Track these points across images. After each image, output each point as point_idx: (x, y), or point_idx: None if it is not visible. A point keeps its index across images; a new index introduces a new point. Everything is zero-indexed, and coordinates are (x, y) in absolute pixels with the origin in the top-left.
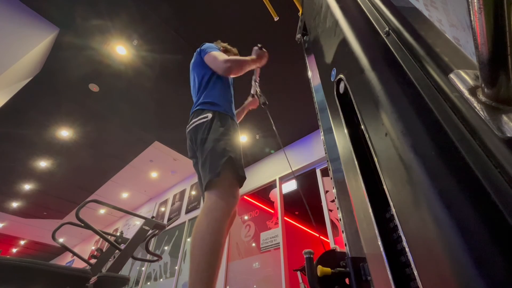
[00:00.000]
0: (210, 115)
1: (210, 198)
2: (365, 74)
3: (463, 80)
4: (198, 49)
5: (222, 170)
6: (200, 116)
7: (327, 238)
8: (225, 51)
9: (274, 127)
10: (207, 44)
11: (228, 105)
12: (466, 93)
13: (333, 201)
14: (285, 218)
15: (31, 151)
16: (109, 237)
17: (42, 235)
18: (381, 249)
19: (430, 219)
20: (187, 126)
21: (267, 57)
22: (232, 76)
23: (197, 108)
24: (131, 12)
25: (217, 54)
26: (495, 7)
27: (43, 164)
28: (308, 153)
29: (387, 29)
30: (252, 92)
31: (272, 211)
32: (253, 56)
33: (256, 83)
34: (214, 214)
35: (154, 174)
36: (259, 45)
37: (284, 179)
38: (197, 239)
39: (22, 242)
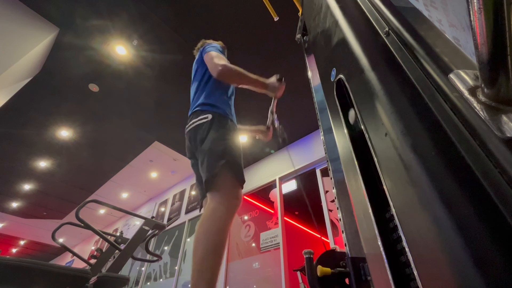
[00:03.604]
0: (210, 116)
1: (213, 199)
2: (365, 74)
3: (463, 80)
4: (202, 47)
5: (219, 171)
6: (200, 116)
7: (327, 238)
8: None
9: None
10: (210, 43)
11: (227, 107)
12: (466, 93)
13: (333, 201)
14: (285, 218)
15: (31, 151)
16: (109, 237)
17: (42, 235)
18: (381, 249)
19: (430, 219)
20: (186, 127)
21: (282, 90)
22: (223, 80)
23: (197, 109)
24: (131, 12)
25: (214, 55)
26: (495, 7)
27: (43, 164)
28: (308, 153)
29: (387, 29)
30: (267, 124)
31: (272, 211)
32: (264, 79)
33: (274, 116)
34: (218, 215)
35: (154, 174)
36: (278, 76)
37: (284, 179)
38: (201, 239)
39: (22, 242)
